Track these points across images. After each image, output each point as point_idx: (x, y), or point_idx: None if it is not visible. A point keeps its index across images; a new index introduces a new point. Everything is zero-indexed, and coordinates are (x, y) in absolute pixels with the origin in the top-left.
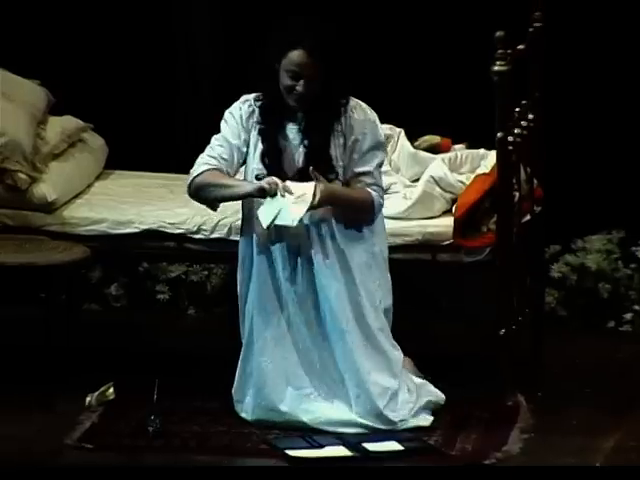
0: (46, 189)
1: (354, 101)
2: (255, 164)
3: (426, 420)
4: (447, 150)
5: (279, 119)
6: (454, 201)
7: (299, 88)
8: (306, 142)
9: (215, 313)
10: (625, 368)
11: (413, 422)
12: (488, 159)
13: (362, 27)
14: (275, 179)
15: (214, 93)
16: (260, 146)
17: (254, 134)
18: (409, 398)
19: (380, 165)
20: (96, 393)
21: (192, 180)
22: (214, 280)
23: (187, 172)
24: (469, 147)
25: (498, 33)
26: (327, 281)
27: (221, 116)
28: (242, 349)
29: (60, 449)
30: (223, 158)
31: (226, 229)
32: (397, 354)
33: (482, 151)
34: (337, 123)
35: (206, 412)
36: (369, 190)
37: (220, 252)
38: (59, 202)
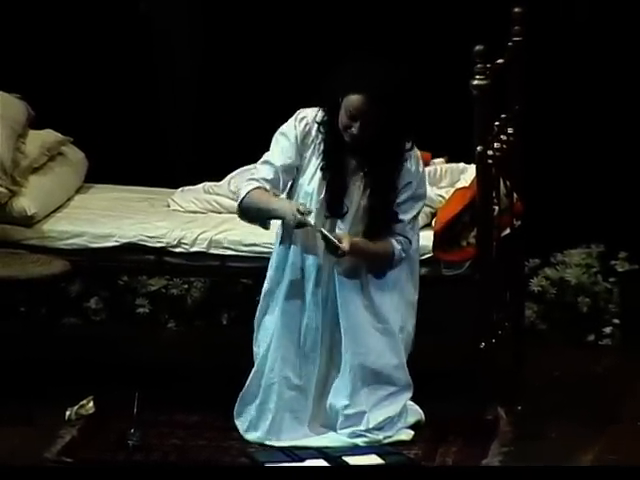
0: (26, 203)
1: (414, 152)
2: (307, 185)
3: (407, 434)
4: (426, 164)
5: (341, 154)
6: (434, 215)
7: (354, 130)
8: (368, 190)
9: (195, 327)
10: (605, 382)
11: (395, 437)
12: (468, 173)
13: (343, 42)
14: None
15: (194, 106)
16: (313, 165)
17: (309, 153)
18: (398, 419)
19: (416, 217)
20: (76, 407)
21: (239, 204)
22: (194, 294)
23: (167, 186)
24: (448, 161)
25: (477, 47)
26: (350, 296)
27: (201, 130)
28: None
29: (40, 463)
30: (266, 179)
31: (206, 243)
32: (409, 391)
33: (462, 165)
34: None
35: (186, 425)
36: (393, 242)
37: (200, 266)
38: (39, 216)
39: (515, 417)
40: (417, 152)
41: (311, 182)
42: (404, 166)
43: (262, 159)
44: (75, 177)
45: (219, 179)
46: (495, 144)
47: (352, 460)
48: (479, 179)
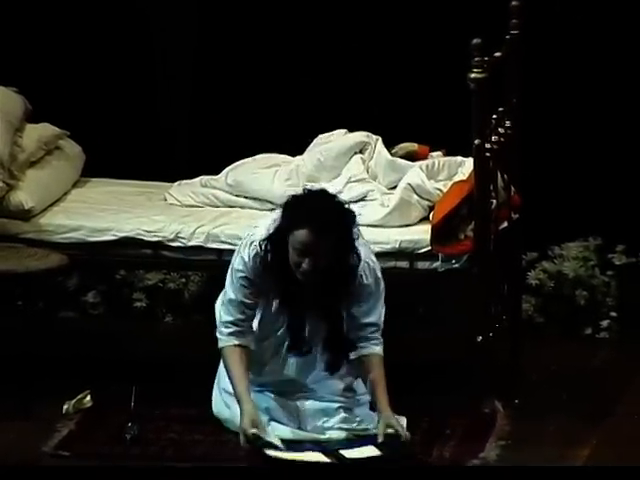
0: (23, 197)
1: (364, 261)
2: (268, 320)
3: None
4: (424, 157)
5: (295, 290)
6: (431, 208)
7: (305, 265)
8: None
9: (192, 321)
10: (602, 375)
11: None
12: (465, 166)
13: (340, 36)
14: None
15: (192, 101)
16: (273, 300)
17: (265, 287)
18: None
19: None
20: (73, 401)
21: (220, 348)
22: (191, 288)
23: (164, 179)
24: (446, 154)
25: (475, 40)
26: None
27: (198, 124)
28: None
29: (37, 457)
30: (240, 320)
31: (203, 237)
32: None
33: (459, 158)
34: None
35: (183, 419)
36: (377, 350)
37: (197, 260)
38: (36, 210)
39: (512, 411)
40: (369, 261)
41: (271, 317)
42: (360, 282)
43: (227, 297)
44: (72, 171)
45: (216, 173)
46: (493, 137)
47: (349, 453)
48: (477, 172)
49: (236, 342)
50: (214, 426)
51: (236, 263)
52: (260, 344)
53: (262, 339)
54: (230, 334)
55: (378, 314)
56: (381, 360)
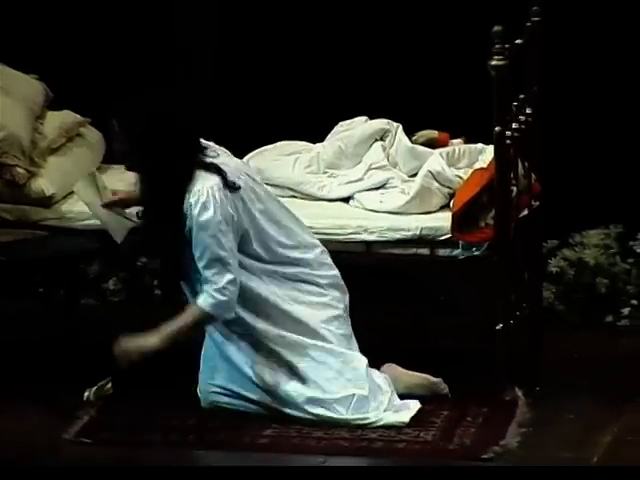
0: (44, 183)
1: (197, 190)
2: None
3: (399, 417)
4: (445, 145)
5: None
6: (452, 196)
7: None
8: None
9: None
10: (623, 362)
11: (394, 417)
12: (486, 154)
13: (360, 23)
14: None
15: (212, 88)
16: None
17: None
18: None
19: (216, 245)
20: (94, 388)
21: None
22: None
23: None
24: (467, 142)
25: (496, 28)
26: None
27: (218, 110)
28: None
29: (58, 444)
30: None
31: None
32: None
33: (480, 146)
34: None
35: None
36: (194, 304)
37: None
38: (57, 196)
39: (533, 398)
40: (203, 192)
41: None
42: (190, 211)
43: None
44: (93, 158)
45: None
46: (513, 125)
47: None
48: (497, 160)
49: None
50: (235, 412)
51: None
52: None
53: None
54: None
55: (198, 249)
56: (192, 308)
